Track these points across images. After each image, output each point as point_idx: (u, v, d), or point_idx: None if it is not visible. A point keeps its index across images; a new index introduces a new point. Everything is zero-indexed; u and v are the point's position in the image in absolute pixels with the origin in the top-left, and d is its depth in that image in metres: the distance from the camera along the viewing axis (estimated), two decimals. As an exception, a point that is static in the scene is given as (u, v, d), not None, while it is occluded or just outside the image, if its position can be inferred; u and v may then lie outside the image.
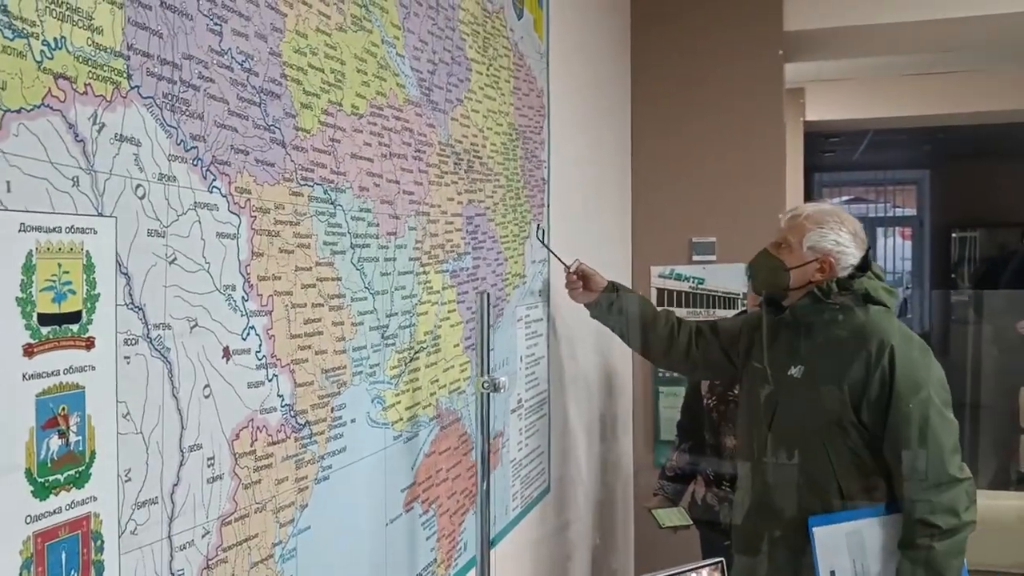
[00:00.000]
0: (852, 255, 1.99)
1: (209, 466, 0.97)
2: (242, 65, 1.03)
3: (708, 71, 3.43)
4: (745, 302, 2.92)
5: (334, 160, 1.23)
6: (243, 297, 1.03)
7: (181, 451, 0.93)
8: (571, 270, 2.25)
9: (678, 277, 3.43)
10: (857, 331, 1.94)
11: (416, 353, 1.49)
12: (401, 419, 1.44)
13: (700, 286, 3.40)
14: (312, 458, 1.18)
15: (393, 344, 1.41)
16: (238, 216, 1.02)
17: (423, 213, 1.52)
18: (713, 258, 3.37)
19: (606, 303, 2.25)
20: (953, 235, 10.02)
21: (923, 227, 10.63)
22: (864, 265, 2.00)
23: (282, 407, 1.11)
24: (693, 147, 3.45)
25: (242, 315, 1.03)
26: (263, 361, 1.07)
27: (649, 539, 3.24)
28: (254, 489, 1.05)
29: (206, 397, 0.97)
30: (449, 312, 1.63)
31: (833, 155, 9.22)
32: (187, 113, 0.94)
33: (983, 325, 5.02)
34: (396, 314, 1.42)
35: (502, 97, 1.93)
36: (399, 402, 1.43)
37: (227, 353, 1.00)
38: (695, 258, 3.41)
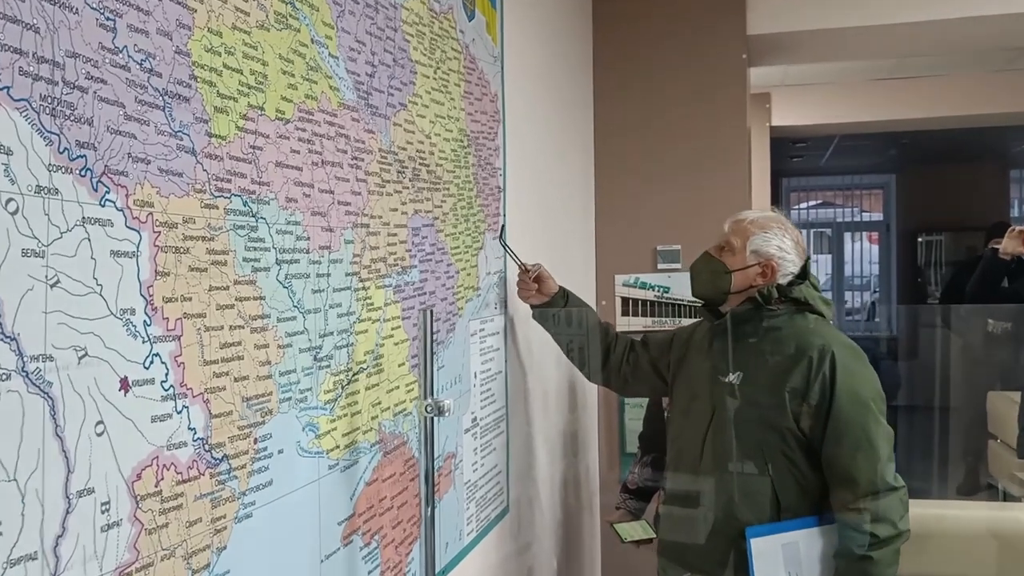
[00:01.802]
0: (793, 262, 1.98)
1: (103, 512, 0.87)
2: (141, 65, 0.93)
3: (672, 75, 3.37)
4: None
5: (255, 169, 1.13)
6: (145, 322, 0.93)
7: (67, 498, 0.82)
8: (531, 272, 2.19)
9: (643, 286, 3.35)
10: (797, 338, 1.92)
11: (355, 375, 1.39)
12: (338, 446, 1.34)
13: (665, 295, 3.33)
14: (231, 495, 1.08)
15: (328, 366, 1.31)
16: (138, 232, 0.92)
17: (362, 225, 1.43)
18: (678, 266, 3.31)
19: (553, 308, 2.21)
20: (919, 239, 10.09)
21: (890, 231, 10.69)
22: (803, 274, 1.98)
23: (194, 441, 1.01)
24: (657, 154, 3.38)
25: (144, 341, 0.93)
26: (170, 391, 0.97)
27: (615, 557, 3.16)
28: (160, 534, 0.95)
29: (99, 435, 0.86)
30: (393, 329, 1.53)
31: (800, 160, 9.24)
32: (72, 118, 0.83)
33: (952, 329, 5.00)
34: (331, 334, 1.32)
35: (451, 102, 1.84)
36: (335, 428, 1.33)
37: (125, 384, 0.90)
38: (660, 266, 3.34)
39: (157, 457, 0.95)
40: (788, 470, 1.89)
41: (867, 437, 1.84)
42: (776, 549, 1.87)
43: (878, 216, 11.08)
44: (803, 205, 11.29)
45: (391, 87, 1.54)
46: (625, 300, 3.35)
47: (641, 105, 3.38)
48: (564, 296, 2.25)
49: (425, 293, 1.68)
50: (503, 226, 2.15)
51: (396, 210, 1.56)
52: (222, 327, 1.06)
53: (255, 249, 1.13)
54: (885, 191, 10.91)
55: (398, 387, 1.55)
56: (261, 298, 1.14)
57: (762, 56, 3.76)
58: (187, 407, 1.00)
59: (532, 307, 2.26)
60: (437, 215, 1.76)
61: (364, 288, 1.43)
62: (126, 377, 0.90)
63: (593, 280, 3.36)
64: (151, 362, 0.94)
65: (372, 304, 1.46)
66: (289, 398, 1.20)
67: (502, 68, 2.19)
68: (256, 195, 1.13)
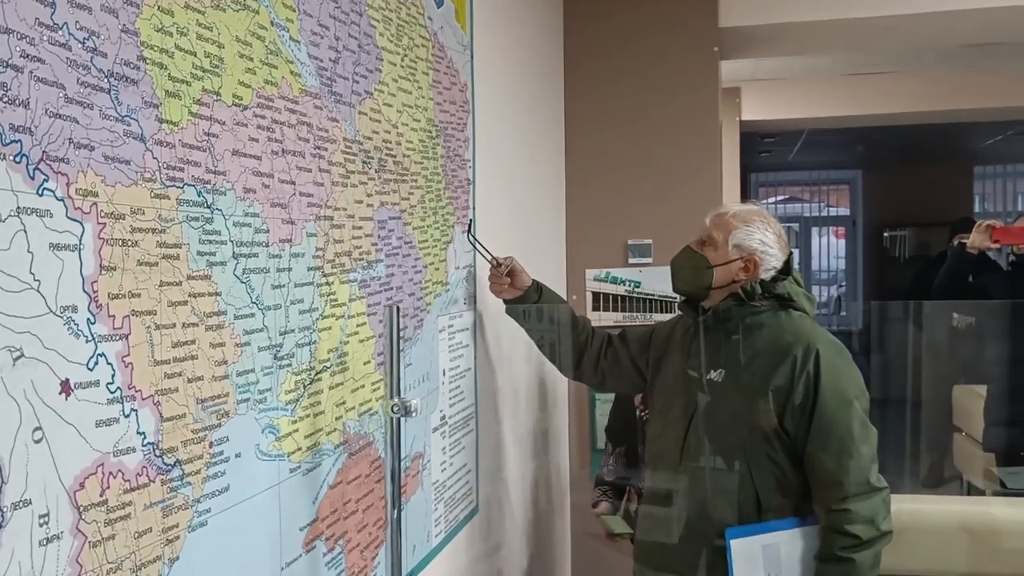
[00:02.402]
0: (776, 257, 1.95)
1: (42, 525, 0.81)
2: (84, 44, 0.86)
3: (643, 68, 3.33)
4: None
5: (211, 157, 1.07)
6: (88, 320, 0.87)
7: (0, 511, 0.76)
8: (503, 266, 2.14)
9: (614, 280, 3.32)
10: (782, 335, 1.89)
11: (318, 374, 1.33)
12: (299, 449, 1.28)
13: (636, 289, 3.29)
14: (184, 503, 1.02)
15: (289, 365, 1.25)
16: (80, 223, 0.86)
17: (325, 217, 1.37)
18: (650, 260, 3.27)
19: (526, 303, 2.17)
20: (885, 234, 10.20)
21: (856, 226, 10.80)
22: (786, 269, 1.95)
23: (144, 446, 0.95)
24: (629, 147, 3.34)
25: (87, 341, 0.86)
26: (117, 394, 0.91)
27: (587, 556, 3.12)
28: (106, 546, 0.89)
29: (37, 442, 0.80)
30: (358, 326, 1.48)
31: (769, 155, 9.28)
32: (5, 99, 0.77)
33: (918, 324, 5.03)
34: (292, 331, 1.26)
35: (419, 91, 1.79)
36: (297, 430, 1.27)
37: (66, 387, 0.84)
38: (631, 260, 3.30)
39: (102, 464, 0.89)
40: (770, 470, 1.85)
41: (851, 437, 1.81)
42: (756, 550, 1.84)
43: (845, 211, 11.19)
44: (771, 200, 11.36)
45: (356, 74, 1.48)
46: (596, 295, 3.31)
47: (612, 98, 3.33)
48: (538, 290, 2.20)
49: (392, 288, 1.63)
50: (471, 221, 2.10)
51: (361, 202, 1.50)
52: (174, 325, 1.00)
53: (210, 242, 1.07)
54: (852, 186, 11.01)
55: (363, 386, 1.49)
56: (217, 294, 1.08)
57: (734, 50, 3.74)
58: (136, 410, 0.94)
59: (505, 302, 2.22)
60: (404, 208, 1.70)
61: (328, 283, 1.37)
62: (67, 379, 0.84)
63: (564, 274, 3.31)
64: (96, 363, 0.88)
65: (336, 300, 1.40)
66: (247, 399, 1.14)
67: (472, 57, 2.14)
68: (211, 185, 1.07)
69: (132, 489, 0.93)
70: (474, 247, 2.11)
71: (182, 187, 1.01)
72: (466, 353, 2.10)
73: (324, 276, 1.36)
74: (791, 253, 1.98)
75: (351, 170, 1.46)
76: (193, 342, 1.03)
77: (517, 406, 2.57)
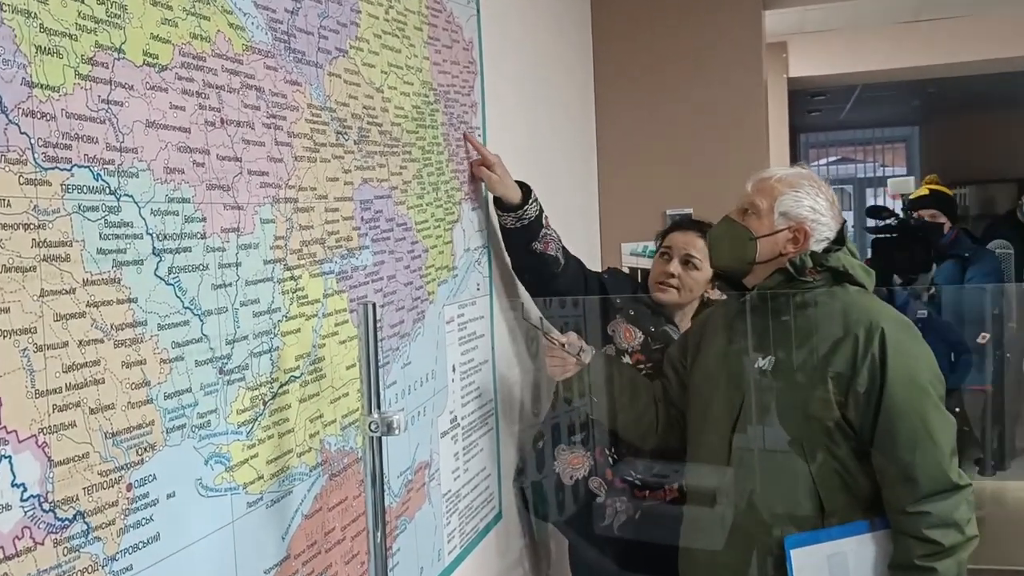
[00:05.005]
0: (828, 226, 1.68)
1: None
2: None
3: (680, 21, 3.05)
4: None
5: (113, 131, 0.86)
6: (-76, 347, 0.66)
7: None
8: (567, 346, 1.84)
9: (652, 255, 3.06)
10: (840, 314, 1.63)
11: (283, 386, 1.13)
12: (260, 477, 1.07)
13: (677, 264, 3.03)
14: (92, 564, 0.82)
15: (241, 379, 1.04)
16: (-97, 222, 0.65)
17: (287, 199, 1.15)
18: (691, 232, 3.01)
19: (591, 380, 1.87)
20: (944, 193, 9.69)
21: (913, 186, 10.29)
22: (839, 239, 1.68)
23: (24, 501, 0.75)
24: (666, 109, 3.08)
25: (-77, 375, 0.66)
26: (-24, 439, 0.71)
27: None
28: (-32, 636, 0.69)
29: None
30: (337, 326, 1.26)
31: (819, 114, 8.84)
32: None
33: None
34: (244, 338, 1.05)
35: (411, 49, 1.55)
36: (255, 456, 1.06)
37: None
38: (671, 233, 3.04)
39: (-43, 532, 0.69)
40: (832, 468, 1.61)
41: (926, 428, 1.56)
42: (821, 561, 1.60)
43: (901, 170, 10.67)
44: (822, 161, 10.89)
45: (324, 28, 1.26)
46: (633, 271, 3.06)
47: (646, 55, 3.07)
48: (605, 359, 1.91)
49: (381, 278, 1.41)
50: (523, 304, 1.99)
51: (336, 180, 1.28)
52: (66, 343, 0.79)
53: (116, 237, 0.86)
54: (908, 144, 10.49)
55: (347, 394, 1.28)
56: (130, 300, 0.87)
57: (778, -2, 3.42)
58: (9, 456, 0.73)
59: (562, 384, 1.90)
60: (395, 184, 1.48)
61: (293, 278, 1.16)
62: None
63: (598, 250, 3.07)
64: (-62, 402, 0.67)
65: (305, 297, 1.19)
66: (181, 426, 0.94)
67: (478, 11, 1.90)
68: (116, 165, 0.86)
69: (6, 558, 0.73)
70: (537, 330, 1.95)
71: (70, 169, 0.80)
72: (481, 345, 1.88)
73: (287, 269, 1.15)
74: (844, 222, 1.72)
75: (320, 143, 1.24)
76: (96, 363, 0.83)
77: (544, 399, 2.34)
